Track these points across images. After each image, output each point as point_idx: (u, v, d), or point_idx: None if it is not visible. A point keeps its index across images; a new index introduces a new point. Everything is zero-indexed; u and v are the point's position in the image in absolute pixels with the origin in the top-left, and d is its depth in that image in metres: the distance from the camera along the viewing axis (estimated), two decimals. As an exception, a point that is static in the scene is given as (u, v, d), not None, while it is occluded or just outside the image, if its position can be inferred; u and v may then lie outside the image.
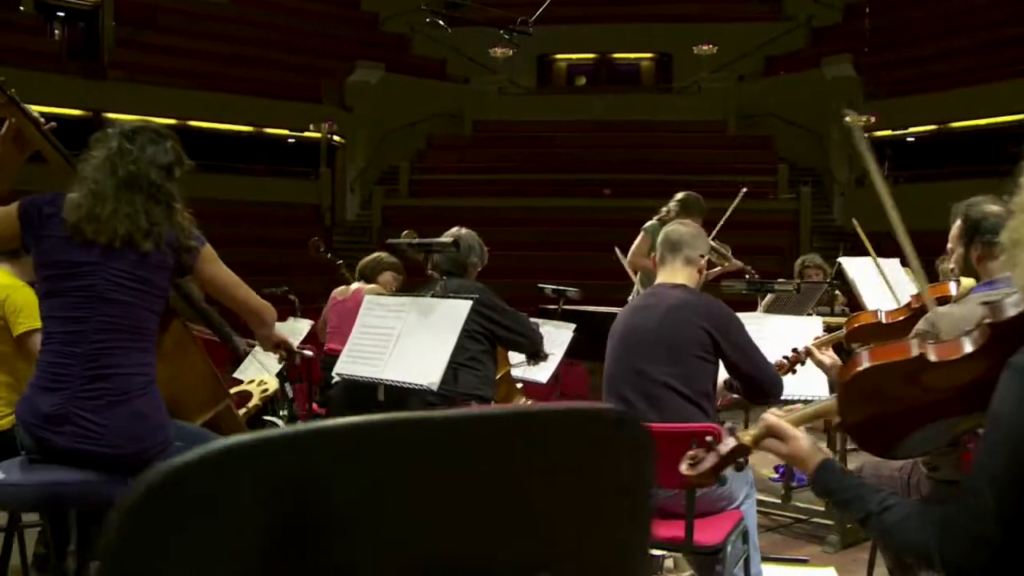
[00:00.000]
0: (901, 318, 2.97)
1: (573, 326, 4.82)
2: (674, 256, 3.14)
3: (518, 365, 4.50)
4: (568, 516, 0.68)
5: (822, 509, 4.44)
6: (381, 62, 19.29)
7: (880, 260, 4.57)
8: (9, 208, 2.36)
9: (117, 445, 2.23)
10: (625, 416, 0.72)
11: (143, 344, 2.33)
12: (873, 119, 16.01)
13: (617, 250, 5.75)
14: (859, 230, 3.84)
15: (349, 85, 18.87)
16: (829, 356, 3.04)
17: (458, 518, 0.62)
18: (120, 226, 2.27)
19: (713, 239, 5.70)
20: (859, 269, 4.28)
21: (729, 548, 2.77)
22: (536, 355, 4.04)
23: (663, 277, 3.14)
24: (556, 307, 5.16)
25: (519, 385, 4.75)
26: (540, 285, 5.20)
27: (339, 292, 4.65)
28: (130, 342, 2.29)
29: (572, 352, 4.65)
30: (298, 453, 0.56)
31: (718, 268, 5.74)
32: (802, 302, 5.17)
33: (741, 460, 1.80)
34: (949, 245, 2.79)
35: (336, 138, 18.23)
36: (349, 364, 3.14)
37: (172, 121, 14.96)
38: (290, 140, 18.18)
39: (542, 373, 4.81)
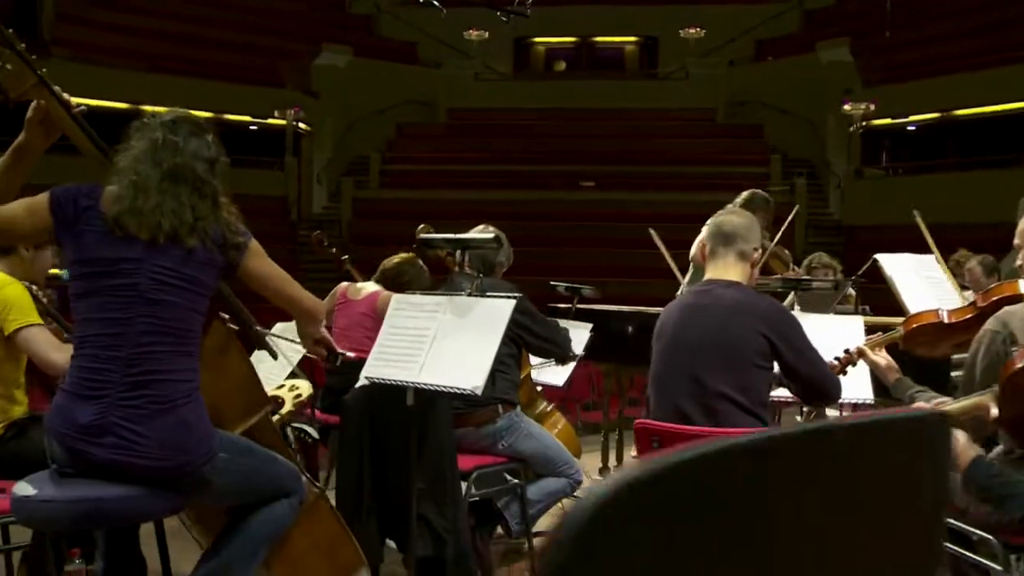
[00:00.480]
0: (967, 317, 3.01)
1: (590, 326, 4.84)
2: (727, 249, 3.06)
3: (539, 367, 4.51)
4: (900, 524, 0.68)
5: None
6: (348, 45, 19.19)
7: (915, 256, 4.64)
8: (38, 199, 2.31)
9: (161, 457, 2.19)
10: (939, 421, 0.73)
11: (187, 348, 2.30)
12: (873, 107, 16.20)
13: (652, 232, 5.74)
14: (921, 223, 3.88)
15: (315, 69, 18.74)
16: (884, 357, 3.08)
17: (830, 528, 0.62)
18: (164, 220, 2.24)
19: (775, 243, 5.75)
20: (897, 267, 4.32)
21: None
22: (564, 360, 4.04)
23: (714, 272, 3.08)
24: (570, 306, 5.18)
25: (538, 388, 4.76)
26: (553, 283, 5.22)
27: (349, 291, 4.60)
28: (174, 345, 2.26)
29: (586, 353, 4.67)
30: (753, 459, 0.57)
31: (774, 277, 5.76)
32: (822, 302, 5.22)
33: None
34: (1016, 241, 2.81)
35: (302, 126, 18.09)
36: (380, 367, 3.11)
37: (123, 106, 14.75)
38: (252, 128, 18.01)
39: (559, 376, 4.84)
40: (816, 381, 2.92)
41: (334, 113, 18.67)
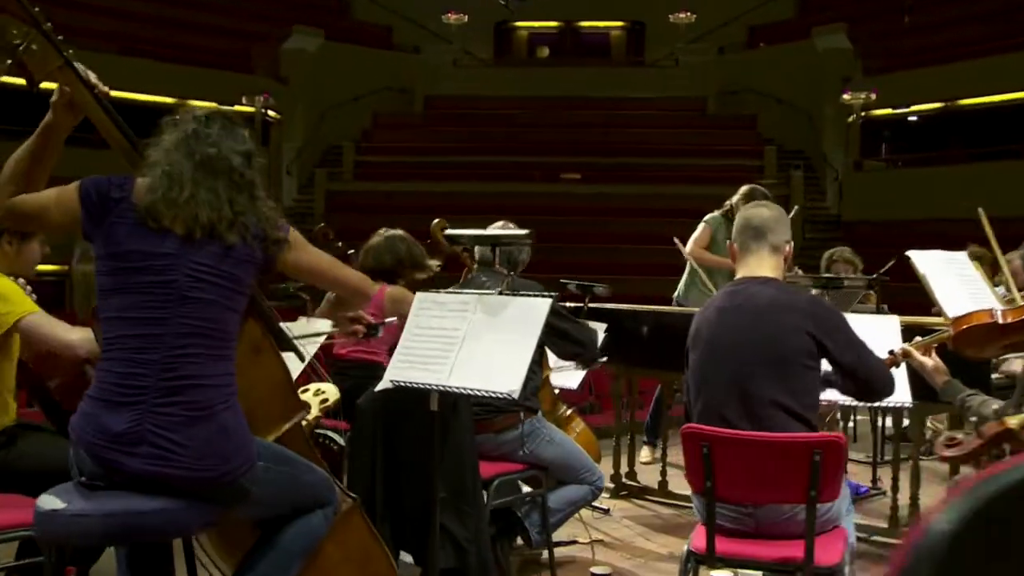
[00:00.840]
0: (1024, 319, 3.01)
1: (604, 326, 4.82)
2: (759, 244, 3.04)
3: (557, 370, 4.49)
4: None
5: (884, 527, 4.55)
6: (320, 28, 19.07)
7: (947, 253, 4.67)
8: (68, 189, 2.27)
9: (199, 467, 2.14)
10: None
11: (225, 350, 2.26)
12: (874, 96, 16.33)
13: (676, 241, 5.81)
14: (984, 220, 3.89)
15: (284, 53, 18.61)
16: (932, 359, 3.09)
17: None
18: (201, 212, 2.21)
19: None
20: (929, 264, 4.34)
21: (846, 568, 2.80)
22: (589, 363, 4.02)
23: (746, 269, 3.05)
24: (581, 305, 5.15)
25: (556, 391, 4.75)
26: (563, 280, 5.19)
27: None
28: (211, 348, 2.22)
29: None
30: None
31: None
32: (843, 301, 5.24)
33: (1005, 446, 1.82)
34: None
35: (271, 113, 17.95)
36: (404, 370, 3.06)
37: (82, 92, 14.56)
38: (217, 115, 17.84)
39: (574, 379, 4.82)
40: (870, 377, 2.91)
41: (305, 100, 18.54)
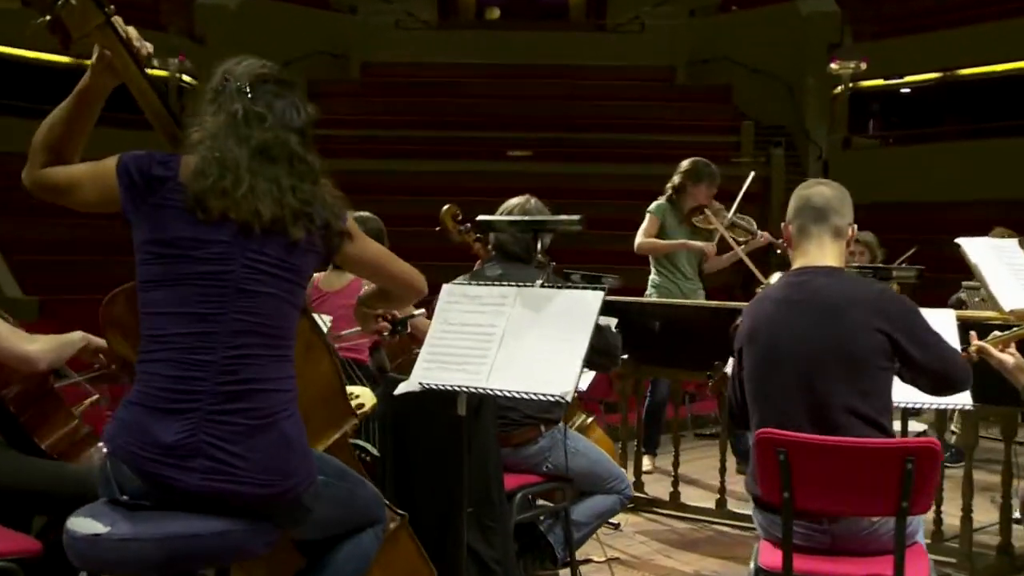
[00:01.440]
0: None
1: (615, 320, 4.84)
2: (820, 227, 3.05)
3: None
4: None
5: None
6: (241, -19, 18.78)
7: (993, 241, 4.78)
8: (104, 163, 2.22)
9: (263, 482, 2.11)
10: None
11: (285, 350, 2.23)
12: (864, 66, 16.59)
13: (733, 241, 5.82)
14: None
15: (199, 9, 18.26)
16: (1013, 355, 3.16)
17: None
18: (264, 207, 2.16)
19: (734, 213, 5.88)
20: (980, 253, 4.44)
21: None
22: (609, 369, 4.04)
23: (805, 258, 3.07)
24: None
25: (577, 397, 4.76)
26: (566, 271, 5.20)
27: (323, 281, 4.50)
28: (271, 348, 2.19)
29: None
30: None
31: (740, 247, 5.91)
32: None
33: None
34: None
35: (187, 78, 17.62)
36: (435, 371, 3.04)
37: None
38: (123, 80, 17.48)
39: (584, 380, 4.84)
40: (947, 371, 2.95)
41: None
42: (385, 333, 2.87)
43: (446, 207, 4.43)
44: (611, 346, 3.78)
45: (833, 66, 16.92)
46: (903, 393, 3.12)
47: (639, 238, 5.99)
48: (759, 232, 5.91)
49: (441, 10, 22.03)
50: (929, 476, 2.68)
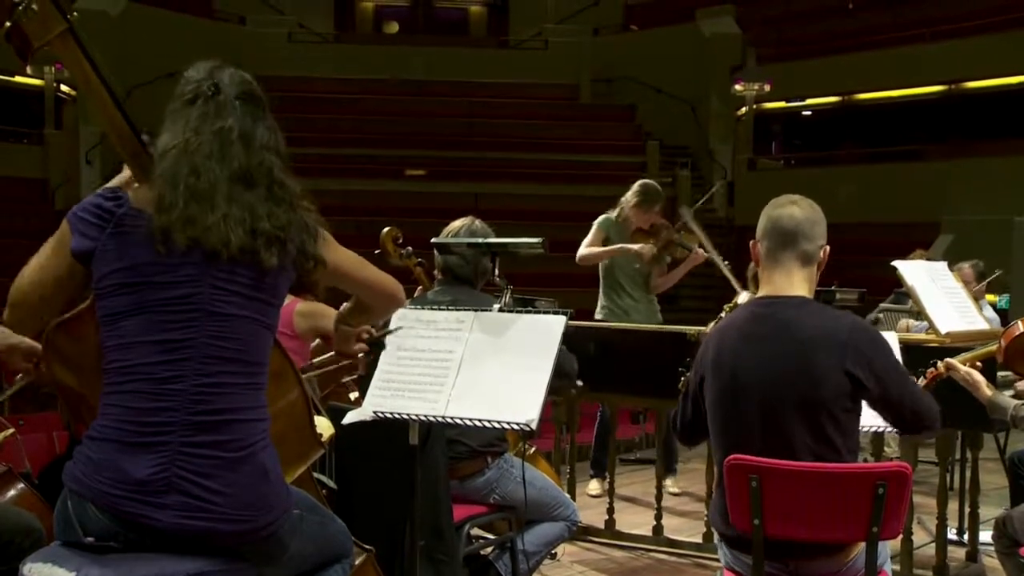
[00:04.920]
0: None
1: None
2: (786, 252, 2.95)
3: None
4: None
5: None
6: (123, -14, 18.38)
7: (928, 264, 4.98)
8: (55, 237, 2.14)
9: (240, 518, 2.05)
10: None
11: (258, 378, 2.17)
12: (768, 87, 17.08)
13: (699, 249, 5.85)
14: None
15: (78, 15, 17.80)
16: (978, 373, 3.30)
17: None
18: (235, 236, 2.09)
19: (678, 230, 6.02)
20: (917, 276, 4.61)
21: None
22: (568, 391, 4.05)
23: (772, 284, 3.00)
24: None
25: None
26: (497, 293, 5.22)
27: None
28: (245, 375, 2.13)
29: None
30: None
31: (682, 267, 6.06)
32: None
33: None
34: None
35: (64, 88, 17.13)
36: (388, 399, 3.00)
37: None
38: (-4, 88, 16.97)
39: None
40: (919, 410, 2.92)
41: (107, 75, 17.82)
42: (361, 355, 2.78)
43: (386, 230, 4.39)
44: (570, 368, 3.80)
45: (737, 87, 17.38)
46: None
47: (580, 249, 6.10)
48: (695, 248, 6.02)
49: (337, 23, 21.94)
50: (900, 500, 2.74)
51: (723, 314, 3.79)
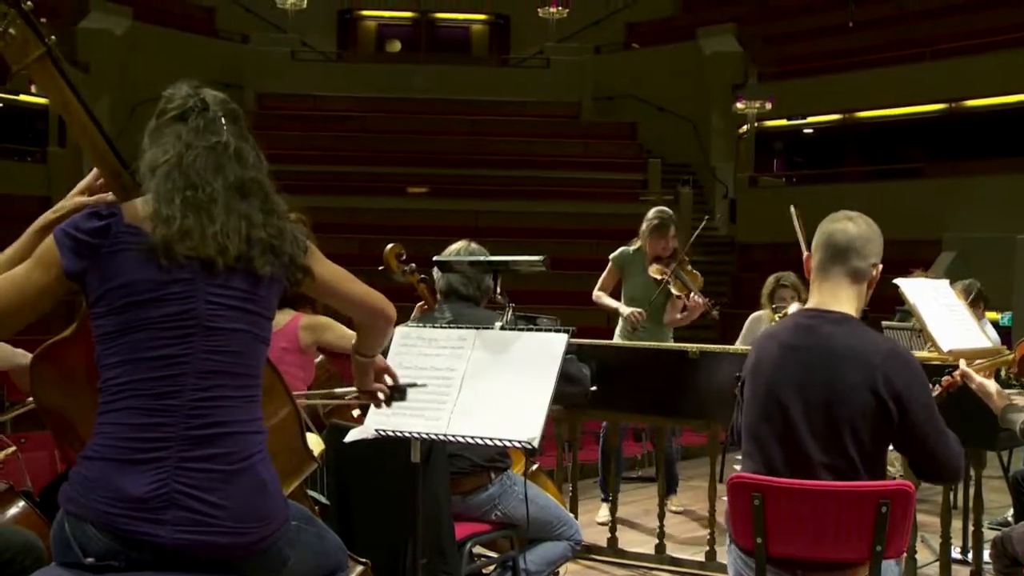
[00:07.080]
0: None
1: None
2: (837, 267, 2.94)
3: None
4: None
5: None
6: (128, 6, 18.44)
7: (929, 281, 4.97)
8: (40, 250, 2.11)
9: (240, 531, 2.05)
10: None
11: (253, 391, 2.18)
12: (769, 105, 17.12)
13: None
14: (796, 223, 4.16)
15: (82, 34, 17.85)
16: (992, 382, 3.31)
17: None
18: (231, 244, 2.10)
19: (683, 267, 5.98)
20: (919, 294, 4.60)
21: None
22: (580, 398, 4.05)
23: (820, 297, 2.99)
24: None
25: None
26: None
27: None
28: (240, 388, 2.14)
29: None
30: None
31: (682, 311, 6.01)
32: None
33: None
34: None
35: (66, 109, 17.20)
36: (390, 417, 3.01)
37: None
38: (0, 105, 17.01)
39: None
40: (937, 455, 2.87)
41: (112, 93, 17.79)
42: (382, 396, 2.73)
43: (389, 246, 4.40)
44: (579, 374, 3.80)
45: (739, 105, 17.43)
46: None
47: (595, 290, 6.16)
48: (694, 296, 5.95)
49: (340, 41, 22.04)
50: (903, 519, 2.74)
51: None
